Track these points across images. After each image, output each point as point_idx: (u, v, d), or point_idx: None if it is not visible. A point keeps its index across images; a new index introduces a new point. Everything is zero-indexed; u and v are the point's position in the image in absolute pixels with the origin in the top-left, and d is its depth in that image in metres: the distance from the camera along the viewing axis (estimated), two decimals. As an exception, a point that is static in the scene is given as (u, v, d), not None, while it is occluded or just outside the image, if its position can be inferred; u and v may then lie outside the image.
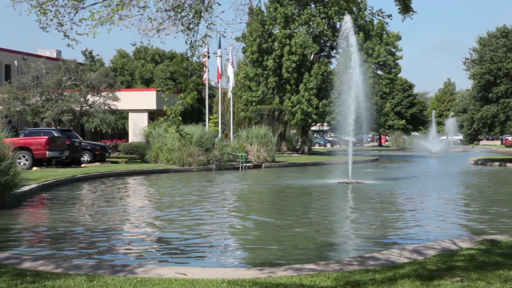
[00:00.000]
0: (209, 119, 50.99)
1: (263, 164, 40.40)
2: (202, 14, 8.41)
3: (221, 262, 10.72)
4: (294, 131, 68.77)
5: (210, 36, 8.93)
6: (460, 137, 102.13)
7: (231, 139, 45.87)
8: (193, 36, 8.46)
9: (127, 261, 10.76)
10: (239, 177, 31.95)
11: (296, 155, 55.39)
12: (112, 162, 38.71)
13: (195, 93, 8.60)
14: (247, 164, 38.87)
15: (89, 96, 43.17)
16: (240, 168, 38.07)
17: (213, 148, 38.07)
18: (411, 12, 10.12)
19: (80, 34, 8.38)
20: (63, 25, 8.23)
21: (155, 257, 11.30)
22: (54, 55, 65.33)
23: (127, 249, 12.07)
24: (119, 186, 26.07)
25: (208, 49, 44.38)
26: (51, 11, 8.08)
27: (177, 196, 22.15)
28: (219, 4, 8.71)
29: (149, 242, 13.08)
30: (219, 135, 45.17)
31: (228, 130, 54.35)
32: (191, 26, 8.44)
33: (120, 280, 8.18)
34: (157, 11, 8.50)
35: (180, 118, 8.74)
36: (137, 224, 15.74)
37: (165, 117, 8.92)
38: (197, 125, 40.34)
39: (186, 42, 8.41)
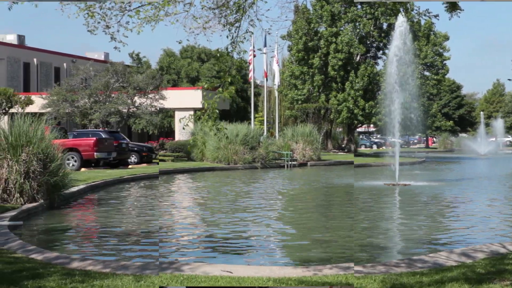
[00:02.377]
0: (255, 118, 51.09)
1: (308, 163, 40.30)
2: (245, 10, 8.43)
3: (267, 260, 10.71)
4: (340, 130, 68.41)
5: (252, 33, 8.93)
6: (510, 138, 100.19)
7: (277, 137, 45.87)
8: (235, 32, 8.48)
9: (173, 259, 10.81)
10: (284, 176, 31.93)
11: (342, 153, 55.11)
12: (160, 160, 39.08)
13: (233, 87, 8.62)
14: (293, 163, 38.82)
15: (136, 98, 43.63)
16: (286, 166, 38.03)
17: (259, 147, 38.13)
18: (458, 10, 9.91)
19: (126, 36, 8.46)
20: (110, 28, 8.34)
21: (201, 255, 11.33)
22: (102, 58, 66.33)
23: (173, 247, 12.13)
24: (164, 185, 26.26)
25: (253, 47, 44.51)
26: (98, 13, 8.19)
27: (222, 194, 22.22)
28: (266, 2, 8.72)
29: (195, 240, 13.13)
30: (265, 133, 45.21)
31: (273, 128, 54.38)
32: (233, 22, 8.47)
33: (166, 277, 8.25)
34: (202, 9, 8.55)
35: (217, 111, 8.77)
36: (182, 222, 15.83)
37: (202, 111, 8.98)
38: (243, 123, 40.42)
39: (227, 37, 8.44)
